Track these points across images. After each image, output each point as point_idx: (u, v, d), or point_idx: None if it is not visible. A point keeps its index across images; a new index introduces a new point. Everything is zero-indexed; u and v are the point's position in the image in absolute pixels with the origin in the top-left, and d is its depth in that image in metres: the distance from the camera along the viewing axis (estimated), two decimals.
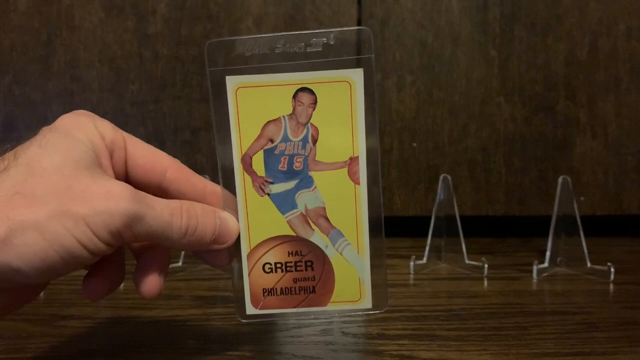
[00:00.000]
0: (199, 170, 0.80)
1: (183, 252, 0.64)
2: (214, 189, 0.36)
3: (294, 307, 0.37)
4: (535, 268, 0.62)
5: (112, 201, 0.29)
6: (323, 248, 0.37)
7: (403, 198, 0.81)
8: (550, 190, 0.77)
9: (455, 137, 0.80)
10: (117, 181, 0.31)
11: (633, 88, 0.80)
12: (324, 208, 0.36)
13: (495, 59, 0.80)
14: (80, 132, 0.32)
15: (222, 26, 0.79)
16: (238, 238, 0.36)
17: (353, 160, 0.36)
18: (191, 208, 0.34)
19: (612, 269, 0.61)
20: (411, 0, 0.79)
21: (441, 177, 0.66)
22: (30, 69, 0.79)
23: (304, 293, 0.37)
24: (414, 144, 0.81)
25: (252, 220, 0.36)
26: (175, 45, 0.79)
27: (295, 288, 0.37)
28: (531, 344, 0.45)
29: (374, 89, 0.35)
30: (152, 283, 0.35)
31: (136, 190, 0.31)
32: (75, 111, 0.34)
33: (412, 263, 0.65)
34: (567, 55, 0.80)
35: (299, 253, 0.36)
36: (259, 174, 0.36)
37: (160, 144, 0.80)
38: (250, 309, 0.37)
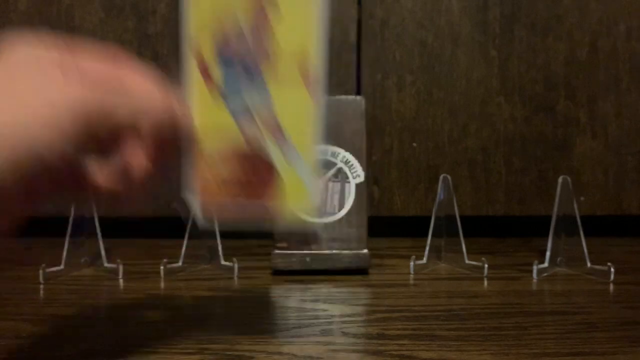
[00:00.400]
0: None
1: (183, 253, 0.64)
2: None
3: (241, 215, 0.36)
4: (535, 268, 0.62)
5: (60, 88, 0.29)
6: (273, 157, 0.35)
7: (403, 198, 0.81)
8: (550, 190, 0.77)
9: (455, 137, 0.81)
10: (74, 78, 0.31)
11: (633, 88, 0.80)
12: (276, 117, 0.34)
13: (495, 59, 0.80)
14: (33, 38, 0.31)
15: None
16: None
17: (307, 66, 0.33)
18: (145, 87, 0.33)
19: (612, 269, 0.61)
20: (411, 0, 0.79)
21: (441, 177, 0.66)
22: None
23: (249, 189, 0.36)
24: (414, 144, 0.81)
25: (202, 117, 0.34)
26: (176, 45, 0.79)
27: (243, 198, 0.35)
28: (531, 344, 0.45)
29: None
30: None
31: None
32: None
33: (412, 263, 0.65)
34: (567, 55, 0.80)
35: (251, 164, 0.35)
36: (210, 74, 0.34)
37: None
38: (201, 220, 0.37)
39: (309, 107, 0.34)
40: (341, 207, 0.64)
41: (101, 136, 0.31)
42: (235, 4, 0.32)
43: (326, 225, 0.64)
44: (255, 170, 0.34)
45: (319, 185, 0.36)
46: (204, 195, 0.36)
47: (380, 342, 0.45)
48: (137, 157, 0.32)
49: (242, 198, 0.35)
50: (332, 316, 0.52)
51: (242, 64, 0.33)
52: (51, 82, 0.29)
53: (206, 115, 0.33)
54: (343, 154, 0.65)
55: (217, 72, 0.34)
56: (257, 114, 0.33)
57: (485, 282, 0.62)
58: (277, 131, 0.34)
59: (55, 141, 0.28)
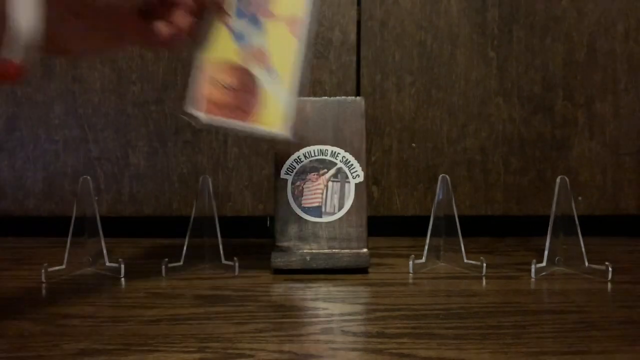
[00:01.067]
0: (200, 170, 0.81)
1: (184, 252, 0.64)
2: None
3: (227, 119, 0.47)
4: (533, 267, 0.63)
5: None
6: (258, 78, 0.46)
7: (402, 198, 0.82)
8: (549, 190, 0.77)
9: (454, 137, 0.81)
10: None
11: (631, 89, 0.80)
12: (266, 50, 0.46)
13: (493, 60, 0.80)
14: None
15: None
16: None
17: (295, 19, 0.45)
18: None
19: (610, 269, 0.61)
20: (410, 2, 0.80)
21: (440, 177, 0.66)
22: (31, 70, 0.80)
23: (238, 111, 0.46)
24: (413, 145, 0.81)
25: (214, 42, 0.45)
26: None
27: (231, 105, 0.46)
28: (529, 342, 0.45)
29: None
30: (160, 30, 0.41)
31: None
32: None
33: (411, 262, 0.65)
34: (565, 56, 0.80)
35: (240, 78, 0.46)
36: (225, 9, 0.45)
37: (162, 144, 0.80)
38: (198, 114, 0.46)
39: (292, 46, 0.45)
40: (341, 206, 0.65)
41: None
42: None
43: (326, 224, 0.65)
44: (244, 82, 0.45)
45: (292, 103, 0.46)
46: (205, 99, 0.45)
47: (379, 340, 0.46)
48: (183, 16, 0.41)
49: (232, 104, 0.46)
50: (332, 315, 0.52)
51: (250, 15, 0.45)
52: None
53: (219, 43, 0.45)
54: (343, 154, 0.65)
55: (233, 19, 0.45)
56: (253, 46, 0.45)
57: (484, 281, 0.62)
58: (265, 58, 0.45)
59: None
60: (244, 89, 0.46)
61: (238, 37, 0.45)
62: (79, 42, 0.40)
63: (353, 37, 0.80)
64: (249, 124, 0.46)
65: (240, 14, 0.44)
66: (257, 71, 0.45)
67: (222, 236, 0.64)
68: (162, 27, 0.39)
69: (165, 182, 0.81)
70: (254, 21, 0.44)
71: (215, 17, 0.43)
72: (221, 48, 0.45)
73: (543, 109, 0.81)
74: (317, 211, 0.65)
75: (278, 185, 0.64)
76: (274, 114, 0.46)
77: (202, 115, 0.46)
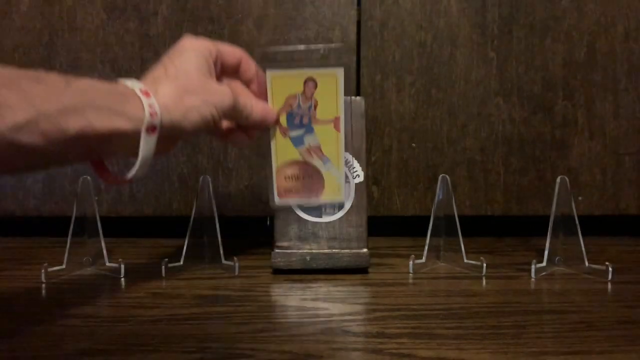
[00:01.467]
0: (200, 170, 0.81)
1: (184, 252, 0.64)
2: (262, 75, 0.59)
3: (302, 199, 0.63)
4: (533, 267, 0.63)
5: (226, 97, 0.52)
6: (319, 167, 0.61)
7: (402, 198, 0.82)
8: (549, 190, 0.77)
9: (454, 137, 0.81)
10: (224, 86, 0.54)
11: (631, 89, 0.80)
12: (319, 145, 0.61)
13: (493, 60, 0.80)
14: (201, 50, 0.53)
15: (223, 27, 0.79)
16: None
17: (337, 118, 0.60)
18: (256, 103, 0.57)
19: (610, 269, 0.61)
20: (410, 2, 0.80)
21: (440, 177, 0.66)
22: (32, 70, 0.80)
23: (307, 192, 0.62)
24: (413, 145, 0.81)
25: (279, 151, 0.61)
26: None
27: (302, 189, 0.62)
28: (529, 342, 0.45)
29: (349, 80, 0.60)
30: (239, 137, 0.58)
31: (232, 91, 0.54)
32: (191, 36, 0.53)
33: (411, 262, 0.65)
34: (565, 56, 0.80)
35: (305, 170, 0.61)
36: (283, 125, 0.60)
37: None
38: (277, 200, 0.62)
39: (337, 138, 0.61)
40: (341, 207, 0.65)
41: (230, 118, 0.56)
42: (297, 91, 0.59)
43: (326, 224, 0.65)
44: (307, 172, 0.61)
45: (344, 182, 0.63)
46: (279, 188, 0.62)
47: (379, 340, 0.46)
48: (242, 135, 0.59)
49: (300, 189, 0.62)
50: (332, 315, 0.52)
51: (304, 125, 0.60)
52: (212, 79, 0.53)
53: (281, 147, 0.61)
54: None
55: (291, 131, 0.61)
56: (310, 146, 0.61)
57: (484, 281, 0.62)
58: (320, 152, 0.61)
59: (215, 115, 0.51)
60: (308, 176, 0.61)
61: (297, 142, 0.61)
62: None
63: (353, 37, 0.80)
64: (314, 199, 0.62)
65: (296, 127, 0.60)
66: (315, 162, 0.61)
67: (222, 236, 0.64)
68: (241, 136, 0.58)
69: (165, 182, 0.81)
70: (308, 129, 0.60)
71: (277, 132, 0.60)
72: (286, 153, 0.61)
73: (543, 109, 0.81)
74: (317, 211, 0.65)
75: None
76: (333, 188, 0.62)
77: (277, 199, 0.62)
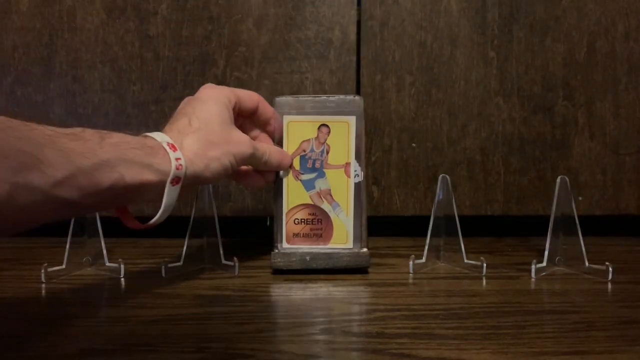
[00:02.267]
0: None
1: (184, 252, 0.64)
2: (278, 117, 0.63)
3: (310, 245, 0.64)
4: (533, 267, 0.63)
5: (246, 146, 0.56)
6: (328, 212, 0.64)
7: (402, 198, 0.82)
8: (549, 190, 0.77)
9: (454, 137, 0.81)
10: (243, 134, 0.57)
11: (631, 88, 0.80)
12: (330, 189, 0.64)
13: (493, 59, 0.80)
14: (221, 99, 0.56)
15: (223, 27, 0.79)
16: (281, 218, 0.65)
17: (347, 164, 0.64)
18: (273, 149, 0.62)
19: (610, 268, 0.61)
20: (410, 2, 0.80)
21: (440, 177, 0.66)
22: (32, 70, 0.80)
23: (316, 237, 0.64)
24: (413, 145, 0.81)
25: (290, 194, 0.64)
26: (177, 46, 0.79)
27: (311, 234, 0.64)
28: (529, 342, 0.45)
29: (362, 128, 0.64)
30: (256, 180, 0.63)
31: (252, 140, 0.58)
32: (211, 85, 0.58)
33: (411, 262, 0.65)
34: (565, 56, 0.80)
35: (314, 214, 0.64)
36: (296, 168, 0.64)
37: None
38: (285, 245, 0.64)
39: (347, 184, 0.64)
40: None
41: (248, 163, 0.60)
42: (311, 136, 0.64)
43: None
44: (317, 215, 0.64)
45: (352, 229, 0.64)
46: (288, 232, 0.64)
47: (379, 340, 0.46)
48: (258, 178, 0.64)
49: (310, 235, 0.64)
50: (332, 315, 0.52)
51: (313, 163, 0.64)
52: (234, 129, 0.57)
53: (292, 190, 0.64)
54: None
55: (303, 175, 0.64)
56: (321, 190, 0.64)
57: (484, 281, 0.62)
58: (330, 197, 0.64)
59: (234, 163, 0.56)
60: (317, 220, 0.64)
61: (308, 186, 0.63)
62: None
63: (353, 37, 0.80)
64: (322, 245, 0.64)
65: (308, 170, 0.64)
66: (325, 207, 0.64)
67: (222, 236, 0.64)
68: (257, 179, 0.63)
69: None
70: (319, 173, 0.63)
71: (289, 175, 0.64)
72: (297, 196, 0.64)
73: (543, 109, 0.81)
74: None
75: (278, 185, 0.64)
76: (341, 234, 0.64)
77: (286, 245, 0.64)
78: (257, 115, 0.62)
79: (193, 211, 0.64)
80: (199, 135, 0.53)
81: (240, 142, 0.56)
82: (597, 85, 0.80)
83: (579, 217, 0.63)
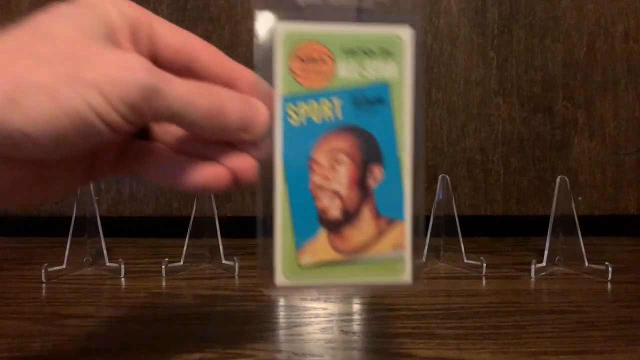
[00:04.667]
0: None
1: (184, 252, 0.64)
2: (250, 77, 0.32)
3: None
4: (533, 267, 0.63)
5: (127, 71, 0.27)
6: None
7: None
8: (549, 190, 0.77)
9: (454, 137, 0.81)
10: (132, 53, 0.29)
11: (631, 89, 0.80)
12: None
13: (493, 60, 0.80)
14: (96, 6, 0.29)
15: (223, 27, 0.79)
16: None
17: None
18: (215, 88, 0.30)
19: (610, 268, 0.61)
20: None
21: (440, 177, 0.66)
22: None
23: None
24: None
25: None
26: None
27: None
28: (529, 342, 0.45)
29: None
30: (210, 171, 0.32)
31: (152, 65, 0.28)
32: None
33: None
34: (565, 56, 0.80)
35: None
36: None
37: None
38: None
39: None
40: None
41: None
42: None
43: None
44: None
45: None
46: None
47: (379, 340, 0.46)
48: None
49: None
50: (332, 314, 0.52)
51: None
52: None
53: None
54: None
55: None
56: None
57: (484, 281, 0.62)
58: None
59: (106, 109, 0.27)
60: None
61: None
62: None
63: None
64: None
65: None
66: None
67: (222, 236, 0.64)
68: (214, 170, 0.32)
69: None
70: None
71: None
72: None
73: (543, 109, 0.81)
74: None
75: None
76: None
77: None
78: (204, 73, 0.32)
79: (193, 211, 0.64)
80: (13, 43, 0.28)
81: (119, 63, 0.27)
82: (596, 85, 0.80)
83: (578, 217, 0.63)
